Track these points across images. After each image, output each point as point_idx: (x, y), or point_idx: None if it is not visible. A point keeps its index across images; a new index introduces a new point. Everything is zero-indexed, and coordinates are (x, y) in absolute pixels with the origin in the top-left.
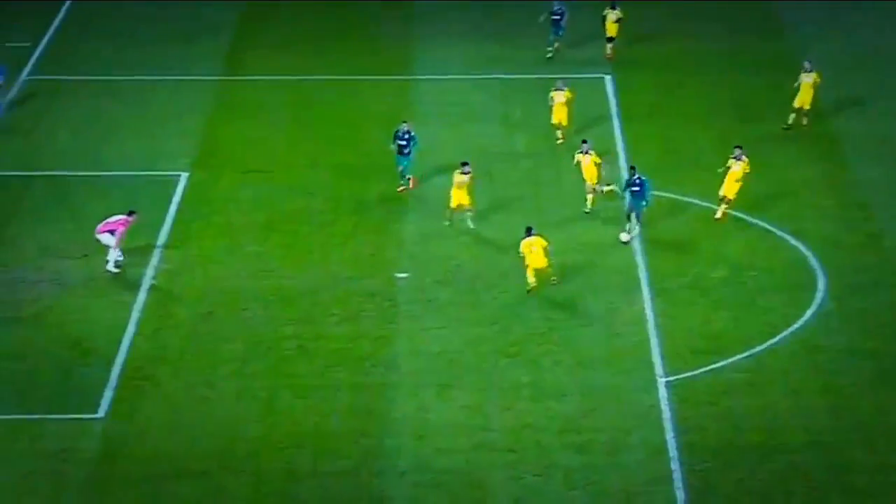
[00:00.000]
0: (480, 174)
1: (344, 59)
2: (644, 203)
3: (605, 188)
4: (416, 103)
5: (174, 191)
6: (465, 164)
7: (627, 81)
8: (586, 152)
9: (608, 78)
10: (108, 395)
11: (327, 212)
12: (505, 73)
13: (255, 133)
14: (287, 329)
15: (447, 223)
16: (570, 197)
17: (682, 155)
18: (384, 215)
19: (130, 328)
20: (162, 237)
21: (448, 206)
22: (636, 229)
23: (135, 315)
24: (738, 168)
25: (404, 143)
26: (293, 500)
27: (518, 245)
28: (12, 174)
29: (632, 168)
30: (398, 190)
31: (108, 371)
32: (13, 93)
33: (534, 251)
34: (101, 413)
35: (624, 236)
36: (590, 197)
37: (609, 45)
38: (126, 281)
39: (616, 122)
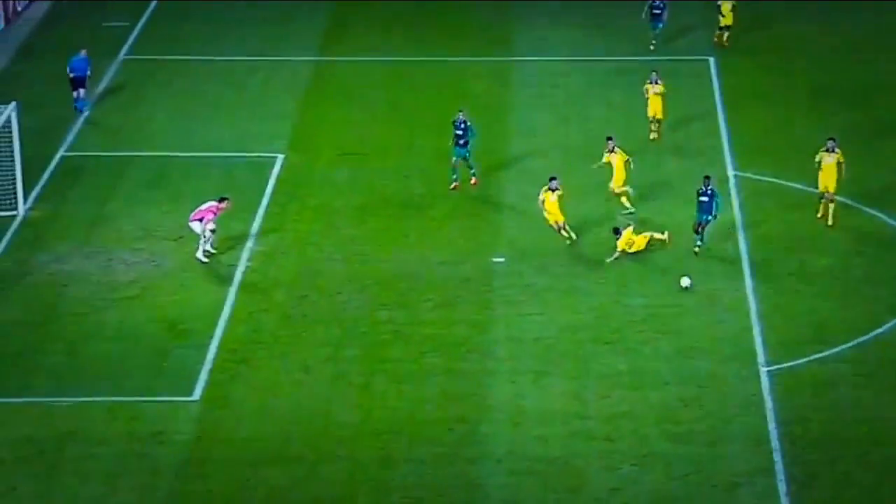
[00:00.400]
0: (580, 157)
1: (441, 40)
2: (710, 217)
3: (620, 193)
4: (515, 85)
5: (270, 173)
6: (553, 178)
7: (732, 64)
8: (612, 150)
9: (712, 60)
10: (203, 378)
11: (424, 195)
12: (606, 56)
13: (351, 115)
14: (382, 313)
15: (569, 242)
16: (671, 182)
17: (788, 139)
18: (481, 199)
19: (226, 311)
20: (257, 220)
21: (553, 224)
22: (701, 244)
23: (230, 297)
24: (831, 160)
25: (461, 132)
26: (388, 486)
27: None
28: (110, 154)
29: (706, 178)
30: (451, 188)
31: (204, 354)
32: (108, 77)
33: (634, 241)
34: (196, 396)
35: (685, 281)
36: (624, 196)
37: (724, 34)
38: (222, 263)
39: (719, 106)
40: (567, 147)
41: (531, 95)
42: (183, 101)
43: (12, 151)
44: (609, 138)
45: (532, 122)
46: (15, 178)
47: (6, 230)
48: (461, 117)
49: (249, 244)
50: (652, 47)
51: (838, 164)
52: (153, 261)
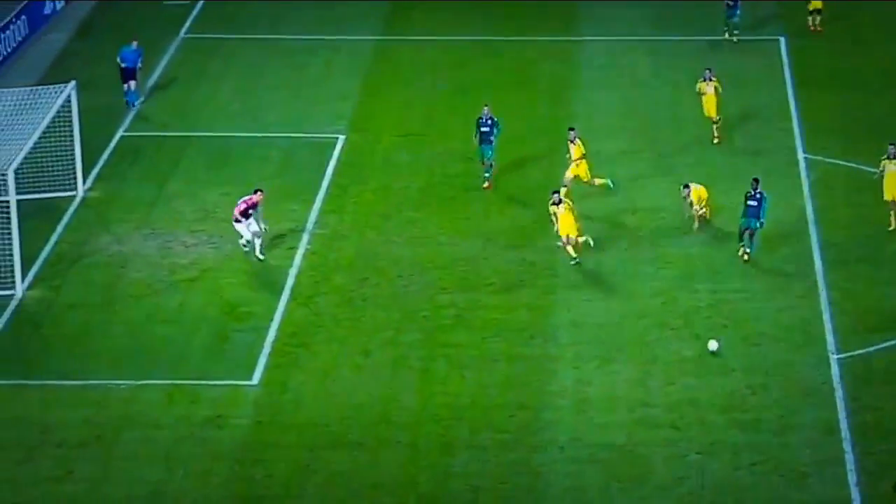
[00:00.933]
0: (645, 140)
1: (505, 20)
2: (758, 223)
3: (598, 182)
4: (581, 66)
5: (331, 153)
6: (555, 192)
7: (803, 44)
8: (573, 140)
9: (783, 40)
10: (262, 361)
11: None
12: (673, 36)
13: (412, 96)
14: (443, 297)
15: (573, 263)
16: (738, 164)
17: (859, 122)
18: (544, 182)
19: (285, 294)
20: (318, 201)
21: (563, 238)
22: (749, 250)
23: (290, 280)
24: (894, 167)
25: (487, 129)
26: (448, 472)
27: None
28: (169, 135)
29: (754, 180)
30: (484, 186)
31: (263, 337)
32: (168, 56)
33: (701, 195)
34: (255, 380)
35: (712, 345)
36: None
37: (816, 18)
38: (281, 246)
39: (790, 86)
40: (632, 129)
41: (596, 76)
42: (243, 81)
43: (72, 131)
44: (571, 129)
45: (597, 103)
46: (74, 159)
47: (65, 211)
48: (486, 112)
49: (310, 226)
50: (735, 39)
51: None
52: (212, 242)
